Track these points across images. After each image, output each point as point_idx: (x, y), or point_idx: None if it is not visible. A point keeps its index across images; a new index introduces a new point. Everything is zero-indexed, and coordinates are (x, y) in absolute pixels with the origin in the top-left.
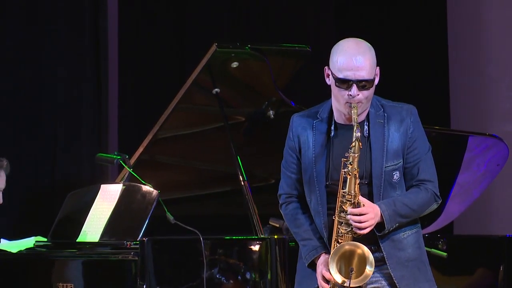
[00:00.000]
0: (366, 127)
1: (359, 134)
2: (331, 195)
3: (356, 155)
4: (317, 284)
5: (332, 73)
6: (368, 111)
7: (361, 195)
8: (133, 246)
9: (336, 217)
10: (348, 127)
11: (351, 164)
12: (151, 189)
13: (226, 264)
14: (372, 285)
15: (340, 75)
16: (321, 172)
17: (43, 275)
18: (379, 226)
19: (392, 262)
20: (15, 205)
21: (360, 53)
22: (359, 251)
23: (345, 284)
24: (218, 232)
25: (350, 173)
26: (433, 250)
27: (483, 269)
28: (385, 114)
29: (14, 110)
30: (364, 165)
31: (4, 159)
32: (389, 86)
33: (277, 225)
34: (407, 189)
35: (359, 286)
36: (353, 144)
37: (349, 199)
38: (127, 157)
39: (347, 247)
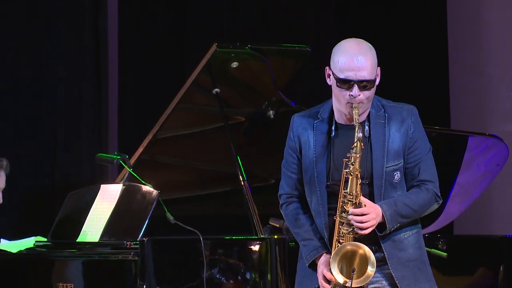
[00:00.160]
0: (367, 127)
1: (361, 134)
2: (332, 195)
3: (358, 155)
4: (318, 284)
5: (333, 73)
6: (369, 111)
7: (362, 195)
8: (133, 246)
9: (338, 217)
10: (349, 127)
11: (352, 165)
12: (151, 189)
13: (226, 264)
14: (373, 285)
15: (341, 76)
16: (322, 172)
17: (43, 275)
18: (380, 226)
19: (393, 262)
20: (15, 205)
21: (361, 53)
22: (360, 251)
23: (346, 285)
24: (218, 232)
25: (351, 173)
26: (433, 250)
27: (483, 269)
28: (386, 115)
29: (14, 110)
30: (365, 166)
31: (3, 159)
32: (389, 86)
33: (277, 225)
34: (408, 190)
35: (361, 287)
36: (355, 144)
37: (351, 199)
38: (127, 157)
39: (348, 247)
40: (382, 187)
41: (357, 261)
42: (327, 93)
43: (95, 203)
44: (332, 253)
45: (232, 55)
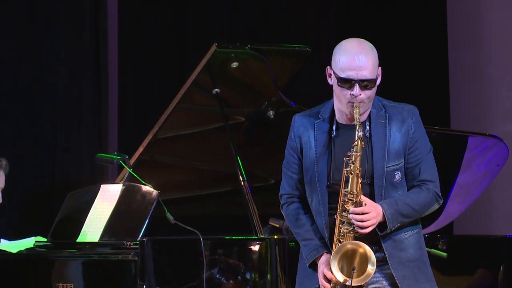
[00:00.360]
0: (367, 127)
1: (361, 133)
2: (333, 195)
3: (358, 154)
4: (318, 284)
5: (334, 72)
6: (370, 111)
7: (362, 195)
8: (133, 246)
9: (338, 217)
10: (350, 127)
11: (353, 163)
12: (151, 189)
13: (226, 264)
14: (373, 285)
15: (343, 75)
16: (323, 172)
17: (43, 275)
18: (381, 225)
19: (394, 262)
20: (15, 205)
21: (363, 53)
22: (361, 250)
23: (346, 283)
24: (218, 232)
25: (352, 172)
26: (433, 250)
27: (483, 269)
28: (387, 115)
29: (14, 110)
30: (365, 165)
31: (3, 159)
32: (389, 86)
33: (277, 225)
34: (408, 189)
35: (360, 286)
36: (356, 143)
37: (351, 198)
38: (127, 157)
39: (349, 246)
40: (382, 187)
41: (357, 260)
42: (327, 93)
43: (95, 203)
44: (333, 252)
45: (232, 55)
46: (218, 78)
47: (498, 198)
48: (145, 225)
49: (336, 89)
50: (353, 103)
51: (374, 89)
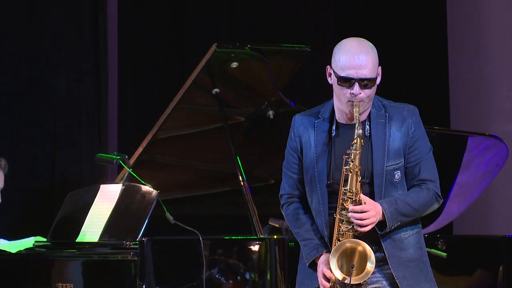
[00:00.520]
0: (367, 126)
1: (360, 131)
2: (333, 195)
3: (357, 152)
4: (318, 284)
5: (334, 72)
6: (370, 111)
7: (362, 193)
8: (132, 246)
9: (337, 215)
10: (350, 127)
11: (352, 161)
12: (151, 189)
13: (226, 264)
14: (373, 285)
15: (343, 74)
16: (323, 172)
17: (42, 275)
18: (381, 224)
19: (394, 262)
20: (14, 205)
21: (363, 52)
22: (360, 248)
23: (346, 281)
24: (217, 232)
25: (351, 170)
26: (432, 250)
27: (482, 269)
28: (387, 114)
29: (14, 110)
30: (365, 165)
31: (2, 159)
32: (389, 86)
33: (277, 225)
34: (408, 189)
35: (359, 284)
36: (355, 141)
37: (351, 197)
38: (126, 157)
39: (348, 244)
40: (382, 186)
41: (356, 258)
42: (327, 93)
43: (94, 203)
44: (332, 250)
45: (232, 55)
46: (218, 78)
47: (497, 198)
48: (144, 225)
49: (336, 88)
50: (353, 102)
51: (374, 88)
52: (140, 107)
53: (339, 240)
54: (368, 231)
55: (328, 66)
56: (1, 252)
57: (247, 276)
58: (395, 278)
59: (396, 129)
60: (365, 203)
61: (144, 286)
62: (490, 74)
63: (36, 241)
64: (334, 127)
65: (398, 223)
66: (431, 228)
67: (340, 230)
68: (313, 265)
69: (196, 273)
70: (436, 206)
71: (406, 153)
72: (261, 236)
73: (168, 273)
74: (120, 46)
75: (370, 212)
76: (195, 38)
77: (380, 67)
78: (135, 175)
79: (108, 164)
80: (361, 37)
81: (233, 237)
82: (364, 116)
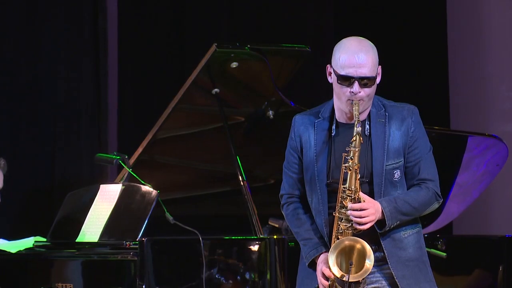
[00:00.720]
0: (367, 126)
1: (359, 128)
2: (332, 194)
3: (357, 149)
4: (318, 284)
5: (334, 70)
6: (370, 110)
7: (361, 192)
8: (132, 246)
9: (336, 213)
10: (350, 126)
11: (351, 159)
12: (151, 189)
13: (226, 264)
14: (373, 285)
15: (342, 72)
16: (322, 171)
17: (42, 275)
18: (380, 223)
19: (393, 261)
20: (14, 205)
21: (363, 51)
22: (358, 246)
23: (344, 279)
24: (217, 232)
25: (350, 168)
26: (432, 250)
27: (482, 269)
28: (387, 114)
29: (13, 109)
30: (365, 164)
31: (1, 159)
32: (389, 86)
33: (277, 225)
34: (408, 189)
35: (358, 282)
36: (354, 138)
37: (350, 195)
38: (126, 157)
39: (346, 242)
40: (382, 185)
41: (355, 256)
42: (327, 93)
43: (94, 203)
44: (330, 248)
45: (232, 55)
46: (217, 78)
47: (497, 198)
48: (144, 225)
49: (336, 87)
50: (352, 100)
51: (374, 87)
52: (140, 107)
53: (338, 239)
54: (368, 231)
55: (328, 65)
56: (1, 252)
57: (247, 276)
58: (395, 277)
59: (396, 128)
60: (364, 201)
61: (144, 286)
62: (490, 74)
63: (35, 241)
64: (334, 127)
65: (398, 222)
66: (431, 228)
67: (339, 228)
68: (313, 265)
69: (196, 273)
70: (436, 205)
71: (406, 152)
72: (261, 236)
73: (168, 273)
74: (120, 46)
75: (369, 210)
76: (195, 38)
77: (380, 66)
78: (135, 175)
79: (108, 164)
80: (361, 37)
81: (233, 237)
82: (364, 116)
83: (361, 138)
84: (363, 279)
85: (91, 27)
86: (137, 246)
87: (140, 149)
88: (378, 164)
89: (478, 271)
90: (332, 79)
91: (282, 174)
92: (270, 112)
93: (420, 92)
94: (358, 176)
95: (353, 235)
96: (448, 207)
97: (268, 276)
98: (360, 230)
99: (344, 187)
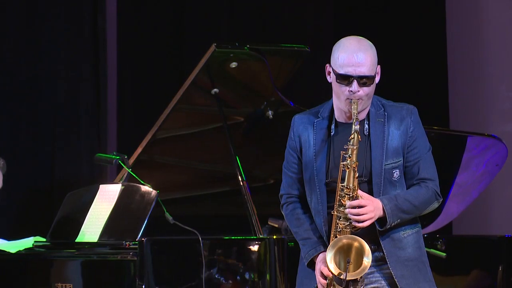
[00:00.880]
0: (366, 125)
1: (358, 126)
2: (331, 194)
3: (355, 147)
4: (317, 284)
5: (333, 69)
6: (369, 110)
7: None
8: (132, 246)
9: (335, 212)
10: (349, 125)
11: (350, 157)
12: (150, 189)
13: (225, 264)
14: (372, 285)
15: (341, 71)
16: (321, 170)
17: (41, 275)
18: (381, 221)
19: (392, 261)
20: (14, 205)
21: (362, 50)
22: (356, 244)
23: (341, 276)
24: (217, 232)
25: (349, 166)
26: (432, 250)
27: (482, 269)
28: (386, 113)
29: (13, 110)
30: (364, 164)
31: (0, 159)
32: (389, 86)
33: (276, 225)
34: (408, 189)
35: (356, 280)
36: (352, 136)
37: (348, 193)
38: (126, 157)
39: (344, 240)
40: (381, 185)
41: (353, 254)
42: (326, 93)
43: (94, 203)
44: (328, 246)
45: (231, 55)
46: (217, 78)
47: (497, 198)
48: (144, 225)
49: (335, 86)
50: (351, 99)
51: (373, 87)
52: (139, 107)
53: (336, 237)
54: (367, 230)
55: (327, 65)
56: (1, 252)
57: (247, 276)
58: (394, 277)
59: (395, 128)
60: (361, 198)
61: (143, 286)
62: (489, 74)
63: (35, 241)
64: (333, 126)
65: (398, 220)
66: (431, 228)
67: (338, 227)
68: (312, 265)
69: (195, 273)
70: (435, 205)
71: (405, 152)
72: (261, 236)
73: (167, 273)
74: (119, 46)
75: (368, 207)
76: (194, 38)
77: (379, 66)
78: (134, 175)
79: (108, 164)
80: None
81: (233, 237)
82: (363, 115)
83: (359, 136)
84: (361, 277)
85: (91, 27)
86: (137, 246)
87: (139, 149)
88: (377, 163)
89: (478, 271)
90: (331, 78)
91: (281, 174)
92: (270, 112)
93: (419, 92)
94: (356, 175)
95: (352, 233)
96: (448, 207)
97: (267, 276)
98: (359, 229)
99: (342, 186)
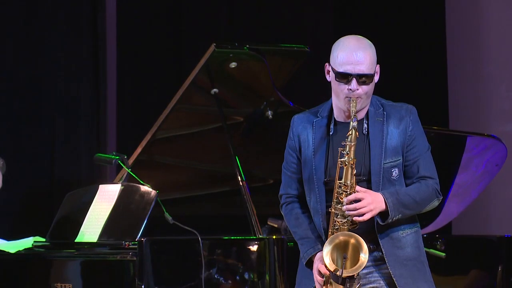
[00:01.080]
0: (365, 125)
1: (356, 123)
2: (330, 193)
3: (352, 143)
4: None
5: (332, 68)
6: (368, 109)
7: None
8: (131, 246)
9: (333, 209)
10: (348, 125)
11: (347, 154)
12: (150, 189)
13: (225, 265)
14: (371, 285)
15: (340, 69)
16: (320, 169)
17: (41, 275)
18: (382, 216)
19: (391, 260)
20: (13, 205)
21: (361, 48)
22: (352, 240)
23: (337, 273)
24: (216, 232)
25: (346, 163)
26: (431, 250)
27: (481, 270)
28: (385, 113)
29: (13, 110)
30: (362, 163)
31: (0, 159)
32: (388, 86)
33: (276, 225)
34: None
35: (352, 276)
36: (350, 132)
37: (345, 190)
38: (125, 157)
39: (341, 237)
40: (380, 184)
41: (350, 250)
42: (326, 93)
43: (93, 203)
44: (325, 242)
45: (231, 55)
46: (216, 78)
47: (496, 198)
48: (143, 225)
49: (334, 85)
50: (350, 98)
51: (372, 85)
52: (138, 107)
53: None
54: (366, 230)
55: (327, 64)
56: (0, 252)
57: (246, 276)
58: (392, 276)
59: (394, 127)
60: (358, 192)
61: (143, 286)
62: (489, 74)
63: (35, 241)
64: (332, 125)
65: (400, 215)
66: (430, 228)
67: (335, 224)
68: (310, 264)
69: (195, 273)
70: (436, 203)
71: (404, 151)
72: (260, 236)
73: (167, 273)
74: (118, 46)
75: (365, 200)
76: (194, 38)
77: (378, 65)
78: (134, 175)
79: (107, 164)
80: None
81: (232, 237)
82: (362, 114)
83: (357, 133)
84: (357, 274)
85: (90, 28)
86: (136, 246)
87: (139, 149)
88: (376, 162)
89: (477, 271)
90: (330, 77)
91: (281, 174)
92: (269, 112)
93: (419, 92)
94: (354, 171)
95: (349, 231)
96: (447, 207)
97: (267, 276)
98: (356, 226)
99: (340, 183)
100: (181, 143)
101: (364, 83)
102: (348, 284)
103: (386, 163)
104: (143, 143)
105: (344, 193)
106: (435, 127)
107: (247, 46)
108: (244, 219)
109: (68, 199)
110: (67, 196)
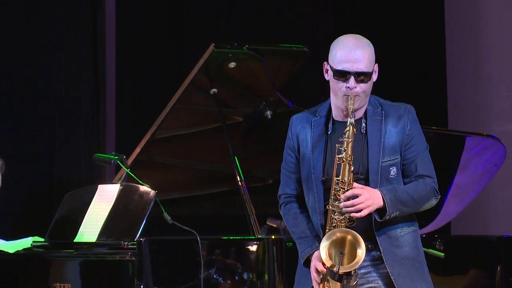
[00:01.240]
0: (363, 124)
1: (353, 119)
2: (328, 192)
3: (350, 140)
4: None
5: (330, 66)
6: (366, 108)
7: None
8: (130, 246)
9: (330, 206)
10: (346, 124)
11: (345, 150)
12: (149, 189)
13: (224, 265)
14: (369, 285)
15: (339, 67)
16: (318, 168)
17: (40, 275)
18: (380, 212)
19: (389, 259)
20: (12, 205)
21: (359, 46)
22: (349, 237)
23: (334, 269)
24: (215, 232)
25: (344, 159)
26: (430, 250)
27: (480, 270)
28: (383, 112)
29: (12, 110)
30: (360, 161)
31: None
32: (388, 85)
33: (275, 225)
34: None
35: (349, 272)
36: (347, 128)
37: (343, 187)
38: (124, 157)
39: (338, 234)
40: (378, 182)
41: (347, 247)
42: (325, 93)
43: (92, 203)
44: (323, 238)
45: (230, 55)
46: (215, 78)
47: (495, 198)
48: (142, 225)
49: (332, 83)
50: (348, 96)
51: (370, 84)
52: (138, 107)
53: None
54: (364, 228)
55: (325, 62)
56: None
57: (245, 276)
58: (390, 274)
59: (392, 126)
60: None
61: (142, 286)
62: (488, 74)
63: (34, 241)
64: (330, 124)
65: (397, 212)
66: (429, 228)
67: (333, 221)
68: (309, 264)
69: (194, 273)
70: (434, 201)
71: (402, 150)
72: (259, 236)
73: (166, 273)
74: (118, 46)
75: (363, 195)
76: (194, 38)
77: (376, 64)
78: (133, 175)
79: (106, 164)
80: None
81: (231, 237)
82: (360, 113)
83: (355, 129)
84: (354, 271)
85: (89, 28)
86: (135, 246)
87: (138, 149)
88: (374, 160)
89: (476, 271)
90: (328, 76)
91: (280, 174)
92: (268, 112)
93: (418, 92)
94: (352, 168)
95: (347, 227)
96: (446, 207)
97: (266, 276)
98: (354, 223)
99: (337, 180)
100: (180, 143)
101: (362, 81)
102: (345, 281)
103: (384, 161)
104: (142, 143)
105: (341, 190)
106: (434, 127)
107: (246, 46)
108: (243, 219)
109: (67, 199)
110: (66, 196)
